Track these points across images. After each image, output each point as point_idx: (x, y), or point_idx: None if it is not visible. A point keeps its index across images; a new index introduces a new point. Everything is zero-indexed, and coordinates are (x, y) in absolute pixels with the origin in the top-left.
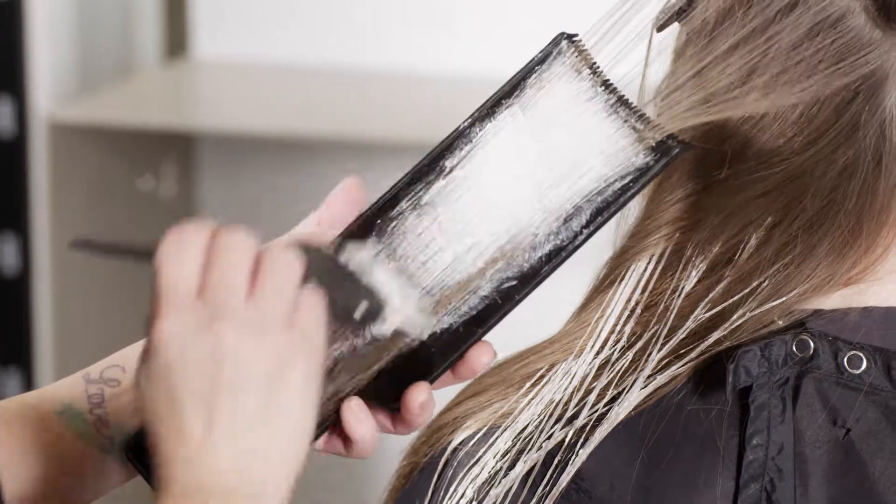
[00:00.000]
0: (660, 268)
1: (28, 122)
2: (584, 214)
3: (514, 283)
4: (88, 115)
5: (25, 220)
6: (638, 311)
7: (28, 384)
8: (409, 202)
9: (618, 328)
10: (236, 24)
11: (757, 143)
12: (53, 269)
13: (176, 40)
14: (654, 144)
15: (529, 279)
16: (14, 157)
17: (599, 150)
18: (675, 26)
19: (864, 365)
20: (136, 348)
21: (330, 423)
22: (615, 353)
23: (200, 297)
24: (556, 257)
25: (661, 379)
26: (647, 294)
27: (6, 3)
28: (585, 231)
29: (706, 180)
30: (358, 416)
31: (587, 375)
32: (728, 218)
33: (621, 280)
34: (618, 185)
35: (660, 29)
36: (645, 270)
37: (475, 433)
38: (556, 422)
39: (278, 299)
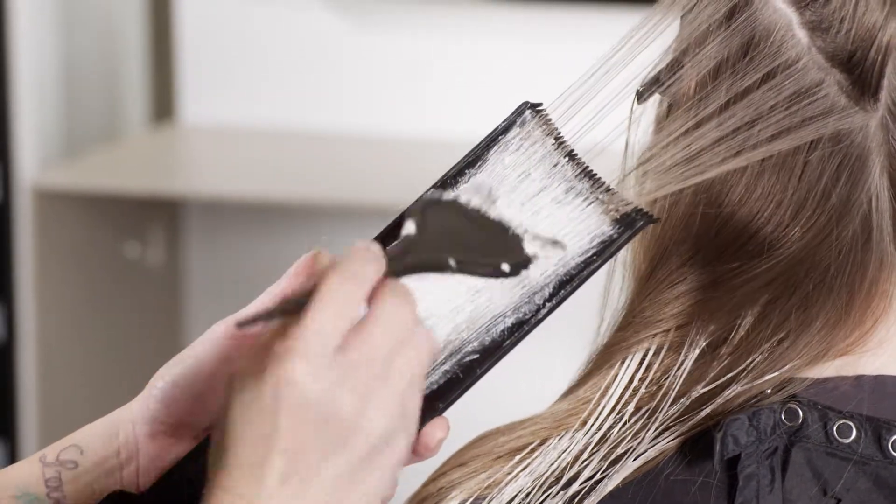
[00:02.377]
0: (662, 353)
1: (13, 188)
2: (547, 287)
3: (475, 356)
4: (73, 181)
5: (10, 288)
6: (641, 390)
7: (12, 454)
8: None
9: (619, 407)
10: (222, 90)
11: (758, 235)
12: (39, 338)
13: (162, 105)
14: (618, 217)
15: (491, 353)
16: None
17: (563, 222)
18: (655, 97)
19: (854, 434)
20: (94, 427)
21: None
22: (609, 428)
23: (341, 353)
24: (518, 331)
25: (651, 452)
26: (648, 376)
27: None
28: (548, 304)
29: (711, 275)
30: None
31: (580, 450)
32: (734, 307)
33: (622, 363)
34: (581, 257)
35: (641, 100)
36: (646, 356)
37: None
38: (544, 493)
39: (410, 389)
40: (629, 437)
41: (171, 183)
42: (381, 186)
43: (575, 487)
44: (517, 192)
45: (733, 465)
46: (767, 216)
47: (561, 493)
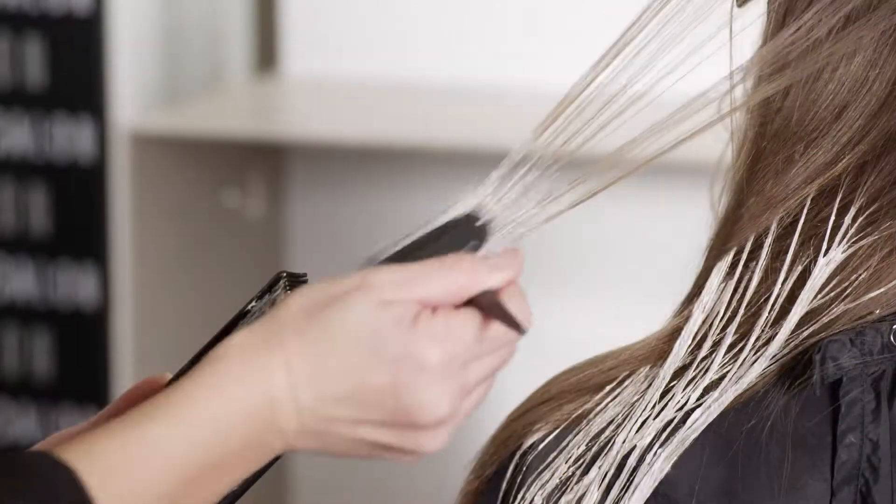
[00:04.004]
0: (760, 266)
1: (109, 137)
2: None
3: None
4: (172, 126)
5: (105, 250)
6: (739, 313)
7: None
8: None
9: (715, 332)
10: (326, 40)
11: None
12: (134, 300)
13: (265, 56)
14: None
15: None
16: (94, 182)
17: None
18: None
19: None
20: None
21: None
22: (705, 355)
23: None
24: None
25: (749, 378)
26: (745, 296)
27: (87, 19)
28: None
29: (820, 164)
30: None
31: (673, 378)
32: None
33: (717, 284)
34: None
35: (741, 4)
36: (743, 274)
37: (546, 436)
38: (635, 423)
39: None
40: (726, 362)
41: (273, 129)
42: (486, 135)
43: (669, 415)
44: None
45: (836, 390)
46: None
47: (654, 422)
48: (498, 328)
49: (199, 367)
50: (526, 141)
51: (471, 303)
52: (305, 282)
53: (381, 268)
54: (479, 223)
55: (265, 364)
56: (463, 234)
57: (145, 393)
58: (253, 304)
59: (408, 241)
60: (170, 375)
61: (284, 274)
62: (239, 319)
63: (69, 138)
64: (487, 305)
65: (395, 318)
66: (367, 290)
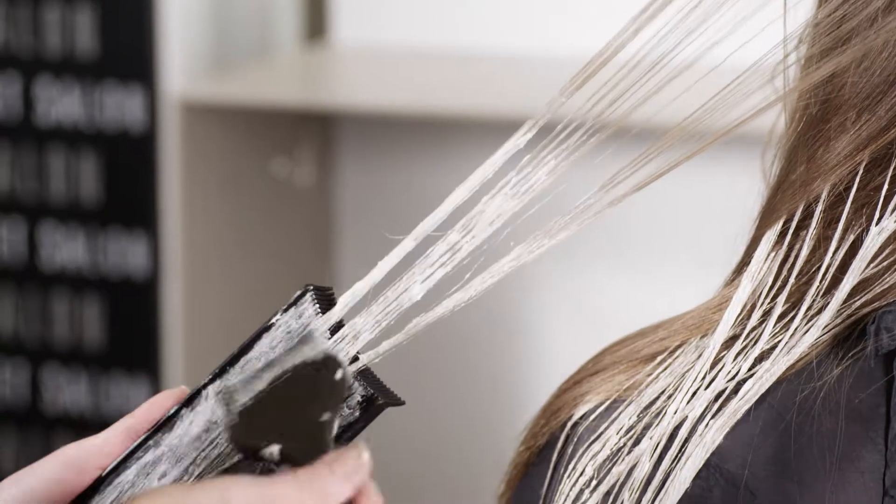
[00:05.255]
0: (811, 233)
1: (159, 105)
2: None
3: None
4: (222, 94)
5: (155, 219)
6: (790, 281)
7: (156, 392)
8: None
9: (766, 300)
10: (376, 9)
11: None
12: (184, 268)
13: (315, 24)
14: (360, 400)
15: None
16: (145, 150)
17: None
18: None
19: None
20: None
21: None
22: (756, 324)
23: None
24: None
25: (802, 348)
26: (797, 264)
27: None
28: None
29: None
30: None
31: (722, 348)
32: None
33: (768, 251)
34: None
35: None
36: (795, 241)
37: (597, 407)
38: (686, 395)
39: None
40: (777, 332)
41: (322, 98)
42: (535, 103)
43: (720, 386)
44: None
45: (890, 361)
46: None
47: (705, 393)
48: None
49: None
50: (552, 106)
51: None
52: (332, 296)
53: (235, 486)
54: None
55: None
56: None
57: (164, 405)
58: (278, 316)
59: (261, 380)
60: (188, 390)
61: (311, 287)
62: (263, 332)
63: (119, 107)
64: None
65: None
66: None
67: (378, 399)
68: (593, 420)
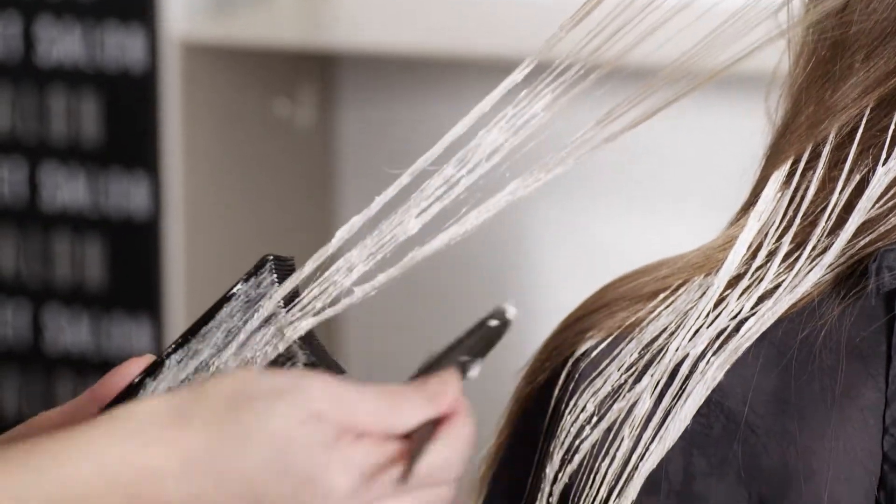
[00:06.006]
0: (819, 171)
1: (160, 46)
2: None
3: None
4: (223, 35)
5: (156, 159)
6: (795, 222)
7: (158, 334)
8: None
9: (770, 240)
10: None
11: None
12: (186, 209)
13: None
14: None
15: None
16: (145, 90)
17: None
18: None
19: None
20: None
21: None
22: (761, 264)
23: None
24: None
25: (804, 287)
26: (803, 203)
27: None
28: None
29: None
30: None
31: (728, 286)
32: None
33: (774, 189)
34: None
35: None
36: (801, 180)
37: (598, 343)
38: (688, 332)
39: None
40: (781, 271)
41: (323, 38)
42: (537, 44)
43: (722, 324)
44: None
45: (891, 300)
46: None
47: (707, 331)
48: (423, 471)
49: (105, 417)
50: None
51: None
52: (292, 266)
53: (315, 376)
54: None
55: (163, 440)
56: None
57: (130, 373)
58: (239, 286)
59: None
60: (153, 358)
61: (271, 257)
62: (223, 302)
63: (121, 47)
64: (418, 443)
65: (316, 436)
66: (295, 398)
67: (319, 367)
68: (595, 356)
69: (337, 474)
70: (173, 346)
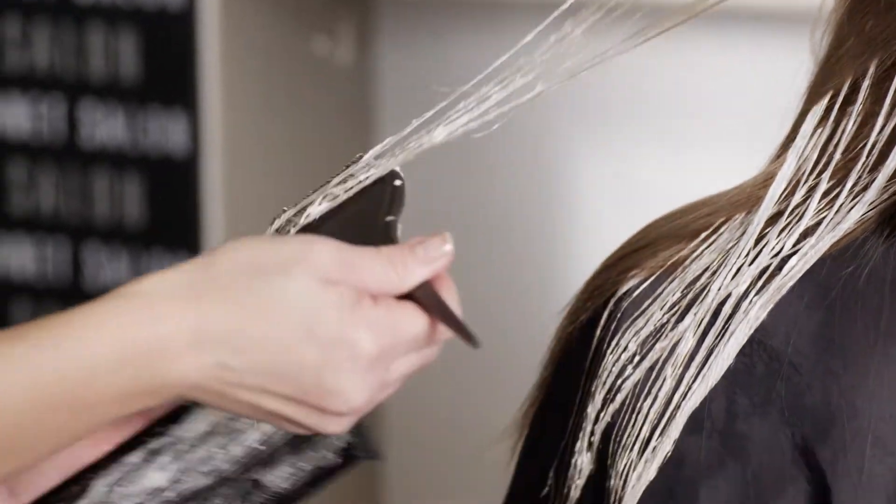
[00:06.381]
0: (859, 105)
1: None
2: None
3: None
4: None
5: (195, 97)
6: (836, 156)
7: None
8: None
9: (811, 176)
10: None
11: None
12: (224, 146)
13: None
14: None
15: None
16: (184, 27)
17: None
18: None
19: None
20: None
21: None
22: (800, 201)
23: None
24: None
25: (847, 224)
26: (843, 139)
27: None
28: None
29: None
30: None
31: (766, 224)
32: None
33: (814, 125)
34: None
35: None
36: (842, 114)
37: (640, 283)
38: (730, 271)
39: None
40: (822, 208)
41: None
42: None
43: (764, 262)
44: None
45: None
46: None
47: (749, 269)
48: (439, 330)
49: (112, 294)
50: None
51: (409, 296)
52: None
53: (321, 242)
54: (394, 184)
55: (174, 313)
56: (379, 198)
57: None
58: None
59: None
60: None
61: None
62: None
63: None
64: (427, 302)
65: (337, 299)
66: (310, 265)
67: (357, 448)
68: (637, 296)
69: (364, 334)
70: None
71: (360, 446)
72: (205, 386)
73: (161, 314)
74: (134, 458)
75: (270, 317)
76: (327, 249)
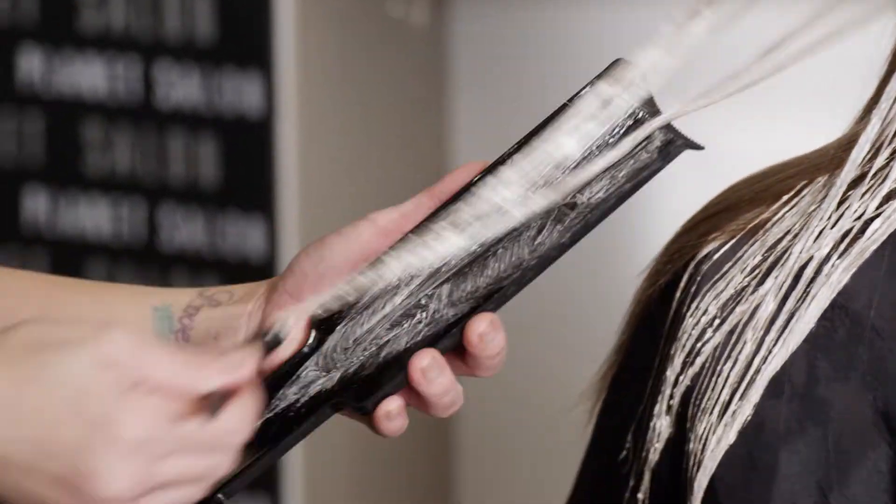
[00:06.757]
0: None
1: None
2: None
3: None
4: None
5: (269, 57)
6: None
7: (272, 232)
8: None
9: (890, 137)
10: None
11: None
12: (299, 109)
13: None
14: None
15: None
16: None
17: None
18: None
19: None
20: (250, 284)
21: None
22: (883, 164)
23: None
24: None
25: None
26: None
27: None
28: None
29: None
30: (429, 377)
31: (849, 187)
32: None
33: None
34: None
35: None
36: None
37: (721, 245)
38: (812, 234)
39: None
40: None
41: None
42: None
43: (846, 225)
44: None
45: None
46: None
47: (831, 232)
48: (215, 431)
49: None
50: None
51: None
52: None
53: (117, 329)
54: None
55: None
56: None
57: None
58: (586, 88)
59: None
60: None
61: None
62: (563, 108)
63: None
64: (213, 404)
65: (112, 381)
66: (96, 346)
67: (677, 141)
68: (717, 259)
69: (129, 420)
70: (515, 146)
71: (678, 139)
72: None
73: None
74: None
75: (46, 392)
76: (120, 335)
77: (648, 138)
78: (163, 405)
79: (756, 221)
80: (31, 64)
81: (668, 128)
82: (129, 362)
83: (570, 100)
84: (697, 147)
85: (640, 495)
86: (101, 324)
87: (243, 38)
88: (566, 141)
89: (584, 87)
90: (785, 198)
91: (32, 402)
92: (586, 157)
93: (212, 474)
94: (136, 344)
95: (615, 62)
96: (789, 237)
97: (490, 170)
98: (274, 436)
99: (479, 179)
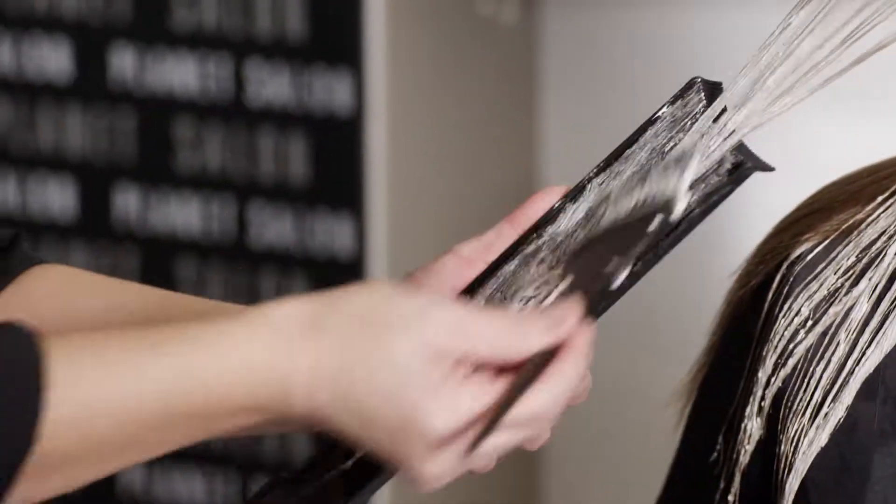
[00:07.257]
0: None
1: None
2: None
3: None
4: None
5: (359, 55)
6: None
7: (361, 231)
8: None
9: None
10: None
11: None
12: (388, 107)
13: None
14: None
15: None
16: None
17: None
18: None
19: None
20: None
21: None
22: None
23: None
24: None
25: None
26: None
27: None
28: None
29: None
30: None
31: None
32: None
33: None
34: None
35: None
36: None
37: (814, 246)
38: None
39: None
40: None
41: None
42: None
43: None
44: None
45: None
46: None
47: None
48: (522, 415)
49: (241, 318)
50: None
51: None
52: (720, 86)
53: (441, 308)
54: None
55: (290, 349)
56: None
57: (545, 202)
58: (664, 109)
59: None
60: (569, 187)
61: (699, 79)
62: (648, 125)
63: None
64: (531, 373)
65: (433, 375)
66: (418, 332)
67: (747, 163)
68: (810, 260)
69: (440, 418)
70: (595, 169)
71: (749, 162)
72: (312, 417)
73: (286, 350)
74: (511, 265)
75: (373, 375)
76: (445, 313)
77: (720, 161)
78: (477, 396)
79: (850, 222)
80: (123, 62)
81: (739, 149)
82: (449, 346)
83: (651, 118)
84: (769, 169)
85: (730, 497)
86: (426, 301)
87: (333, 37)
88: (645, 159)
89: (667, 108)
90: (880, 198)
91: (357, 381)
92: None
93: (524, 442)
94: (456, 324)
95: (714, 87)
96: (884, 238)
97: (571, 195)
98: None
99: (559, 205)
